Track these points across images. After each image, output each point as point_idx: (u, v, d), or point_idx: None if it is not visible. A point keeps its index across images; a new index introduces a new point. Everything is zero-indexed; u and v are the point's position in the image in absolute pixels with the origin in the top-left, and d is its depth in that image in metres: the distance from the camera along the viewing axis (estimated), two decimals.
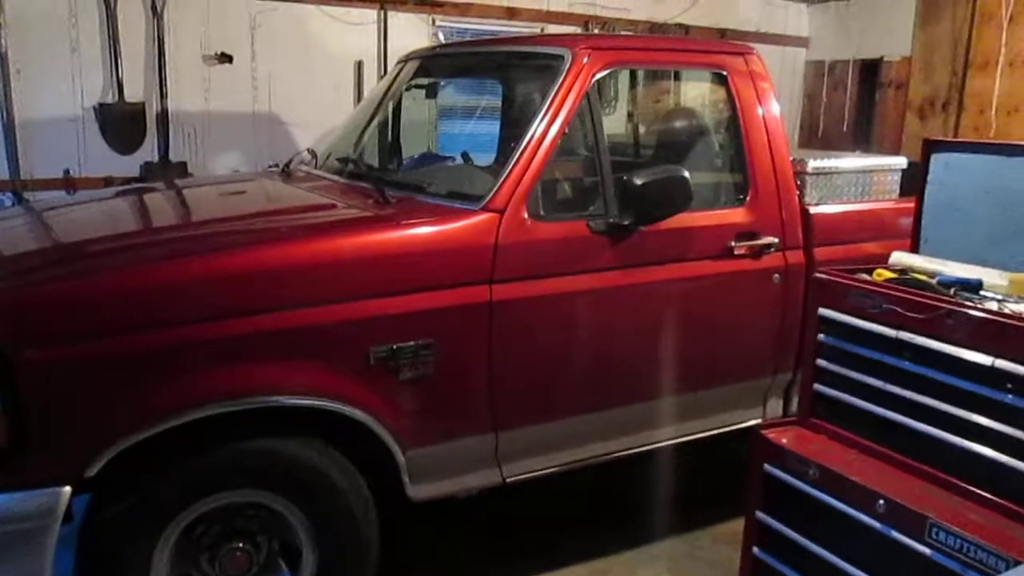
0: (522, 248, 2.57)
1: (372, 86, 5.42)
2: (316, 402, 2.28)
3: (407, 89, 3.71)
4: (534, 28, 6.22)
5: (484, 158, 3.45)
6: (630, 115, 4.38)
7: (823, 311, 2.40)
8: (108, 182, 4.81)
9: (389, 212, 2.62)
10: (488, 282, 2.51)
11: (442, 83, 4.15)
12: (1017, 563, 1.77)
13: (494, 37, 5.50)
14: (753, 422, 3.12)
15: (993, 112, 6.10)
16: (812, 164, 3.26)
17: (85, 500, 2.18)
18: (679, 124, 3.64)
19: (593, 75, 2.78)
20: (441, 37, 5.90)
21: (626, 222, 2.70)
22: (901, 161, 3.54)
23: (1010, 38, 6.00)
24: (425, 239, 2.48)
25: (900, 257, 2.45)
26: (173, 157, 5.14)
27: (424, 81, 3.83)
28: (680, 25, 6.79)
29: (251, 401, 2.21)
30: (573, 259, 2.67)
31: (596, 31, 6.36)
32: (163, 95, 5.05)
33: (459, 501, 2.70)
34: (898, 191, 3.53)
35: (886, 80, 6.96)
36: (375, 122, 3.64)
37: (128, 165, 4.99)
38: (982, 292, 2.14)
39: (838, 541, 2.21)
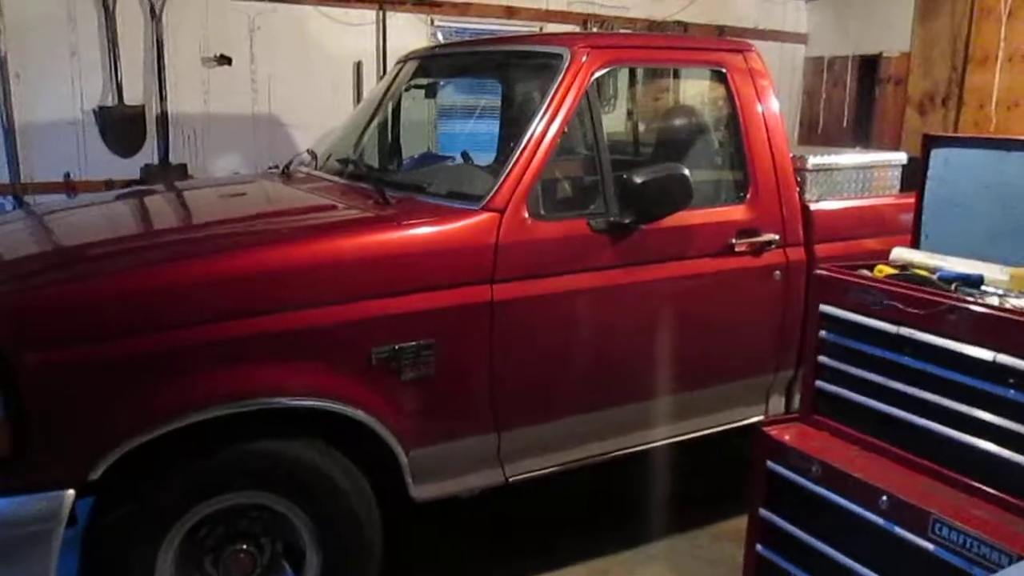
0: (523, 247, 2.57)
1: (371, 87, 5.42)
2: (318, 403, 2.28)
3: (406, 89, 3.71)
4: (533, 27, 6.21)
5: (484, 158, 3.45)
6: (630, 113, 4.38)
7: (824, 308, 2.40)
8: (109, 185, 4.81)
9: (389, 213, 2.62)
10: (489, 282, 2.51)
11: (441, 83, 4.15)
12: (1020, 558, 1.77)
13: (493, 36, 5.50)
14: (755, 419, 3.12)
15: (993, 107, 6.10)
16: (812, 161, 3.26)
17: (88, 503, 2.19)
18: (679, 122, 3.63)
19: (592, 74, 2.77)
20: (440, 37, 5.90)
21: (627, 220, 2.70)
22: (901, 157, 3.54)
23: (1009, 32, 6.00)
24: (426, 239, 2.48)
25: (901, 253, 2.44)
26: (173, 159, 5.14)
27: (423, 81, 3.83)
28: (679, 23, 6.78)
29: (253, 403, 2.21)
30: (574, 258, 2.67)
31: (595, 30, 6.36)
32: (163, 97, 5.05)
33: (460, 502, 2.70)
34: (898, 187, 3.53)
35: (885, 76, 6.96)
36: (375, 123, 3.64)
37: (128, 168, 4.99)
38: (983, 287, 2.13)
39: (841, 538, 2.21)
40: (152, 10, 4.94)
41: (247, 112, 5.33)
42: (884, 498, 2.08)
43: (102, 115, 4.90)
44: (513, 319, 2.55)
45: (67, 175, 4.83)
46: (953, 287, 2.14)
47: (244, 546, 2.34)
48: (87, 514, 2.17)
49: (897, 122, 6.80)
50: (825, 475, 2.25)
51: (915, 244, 2.59)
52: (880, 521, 2.09)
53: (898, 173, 3.53)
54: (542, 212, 2.63)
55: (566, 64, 2.76)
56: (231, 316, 2.19)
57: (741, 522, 2.60)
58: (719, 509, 3.30)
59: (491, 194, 2.58)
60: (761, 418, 3.13)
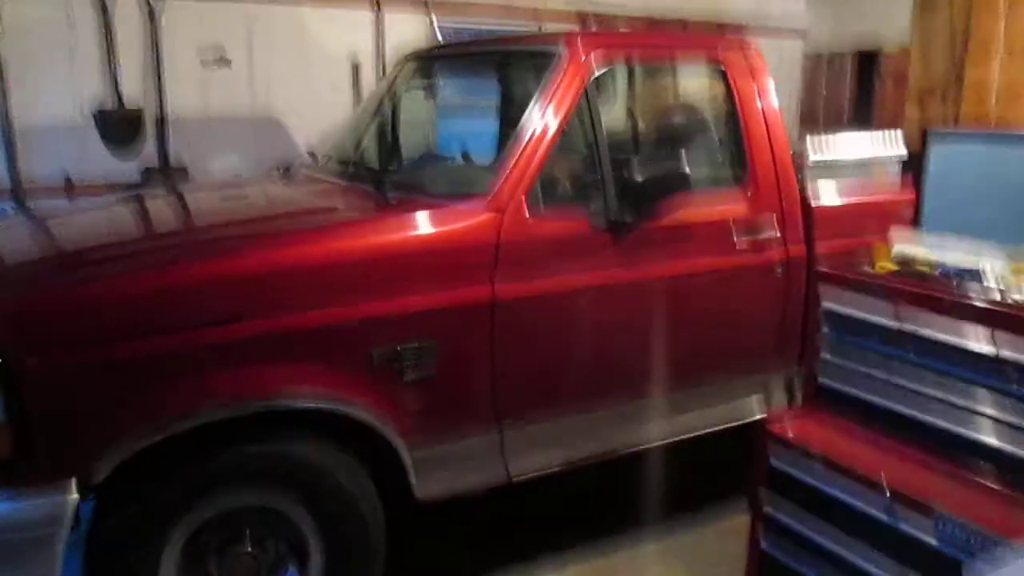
0: (524, 246, 2.57)
1: (370, 86, 5.41)
2: (320, 405, 2.29)
3: (406, 90, 3.72)
4: (532, 26, 6.21)
5: (484, 157, 3.44)
6: (629, 111, 4.37)
7: (826, 304, 2.40)
8: (109, 188, 4.80)
9: (390, 213, 2.62)
10: (490, 281, 2.51)
11: (441, 83, 4.15)
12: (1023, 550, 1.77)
13: (492, 36, 5.50)
14: (758, 416, 3.12)
15: (993, 101, 6.08)
16: (813, 157, 3.26)
17: (92, 506, 2.19)
18: (678, 119, 3.63)
19: (591, 71, 2.78)
20: (439, 36, 5.89)
21: (627, 218, 2.70)
22: (901, 151, 3.54)
23: (1009, 26, 5.97)
24: (426, 240, 2.48)
25: (901, 248, 2.44)
26: (173, 161, 5.14)
27: (423, 81, 3.83)
28: (679, 20, 6.77)
29: (256, 405, 2.22)
30: (575, 256, 2.67)
31: (594, 27, 6.35)
32: (161, 99, 5.05)
33: (462, 502, 2.70)
34: (898, 182, 3.52)
35: (885, 71, 6.95)
36: (375, 123, 3.65)
37: (129, 171, 4.99)
38: (984, 282, 2.13)
39: (844, 532, 2.21)
40: (150, 11, 4.93)
41: (246, 113, 5.32)
42: (887, 492, 2.08)
43: (102, 118, 4.89)
44: (514, 318, 2.56)
45: (67, 179, 4.82)
46: (954, 282, 2.14)
47: (248, 547, 2.35)
48: (90, 517, 2.17)
49: (897, 116, 6.78)
50: (828, 470, 2.25)
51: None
52: (883, 515, 2.09)
53: (898, 168, 3.52)
54: (543, 211, 2.63)
55: (565, 62, 2.76)
56: (233, 319, 2.19)
57: (745, 518, 2.60)
58: (723, 506, 3.30)
59: (492, 193, 2.58)
60: (764, 414, 3.13)
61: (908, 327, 2.15)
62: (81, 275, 2.27)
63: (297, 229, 2.63)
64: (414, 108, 4.01)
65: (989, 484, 2.00)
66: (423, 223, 2.51)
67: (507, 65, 3.62)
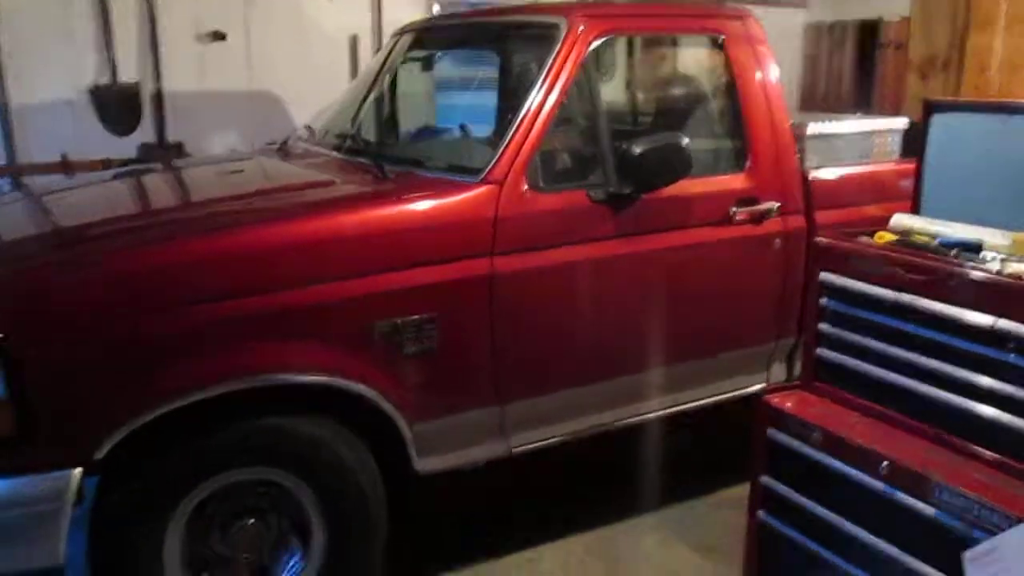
0: (522, 220, 2.57)
1: (368, 61, 5.37)
2: (321, 379, 2.29)
3: (403, 63, 3.69)
4: None
5: (482, 130, 3.43)
6: (628, 83, 4.35)
7: (824, 275, 2.40)
8: (106, 164, 4.78)
9: (388, 187, 2.62)
10: (489, 255, 2.51)
11: (438, 55, 4.12)
12: (1021, 521, 1.79)
13: (490, 7, 5.44)
14: (757, 388, 3.13)
15: (994, 71, 6.04)
16: (811, 128, 3.24)
17: (96, 482, 2.20)
18: (677, 91, 3.62)
19: (589, 43, 2.75)
20: (436, 9, 5.84)
21: (626, 191, 2.69)
22: (901, 122, 3.52)
23: None
24: (425, 214, 2.47)
25: (901, 219, 2.43)
26: (170, 137, 5.12)
27: (420, 54, 3.80)
28: None
29: (256, 380, 2.22)
30: (574, 229, 2.66)
31: None
32: (158, 75, 5.02)
33: (460, 476, 2.72)
34: (899, 153, 3.51)
35: (886, 41, 6.89)
36: (372, 97, 3.62)
37: (125, 147, 4.96)
38: (983, 253, 2.13)
39: (842, 504, 2.22)
40: None
41: (243, 88, 5.29)
42: (885, 463, 2.09)
43: (97, 94, 4.86)
44: (514, 291, 2.56)
45: (64, 155, 4.80)
46: (953, 253, 2.14)
47: (251, 522, 2.37)
48: (94, 492, 2.19)
49: (898, 87, 6.73)
50: (826, 442, 2.26)
51: (915, 210, 2.59)
52: (881, 486, 2.10)
53: (898, 139, 3.51)
54: (541, 184, 2.63)
55: (563, 34, 2.74)
56: (232, 294, 2.19)
57: (741, 490, 2.62)
58: (719, 478, 3.32)
59: (490, 167, 2.57)
60: (762, 386, 3.14)
61: (906, 298, 2.15)
62: (79, 252, 2.27)
63: (294, 204, 2.62)
64: (411, 82, 3.99)
65: (986, 454, 2.01)
66: (421, 197, 2.50)
67: (505, 38, 3.59)
